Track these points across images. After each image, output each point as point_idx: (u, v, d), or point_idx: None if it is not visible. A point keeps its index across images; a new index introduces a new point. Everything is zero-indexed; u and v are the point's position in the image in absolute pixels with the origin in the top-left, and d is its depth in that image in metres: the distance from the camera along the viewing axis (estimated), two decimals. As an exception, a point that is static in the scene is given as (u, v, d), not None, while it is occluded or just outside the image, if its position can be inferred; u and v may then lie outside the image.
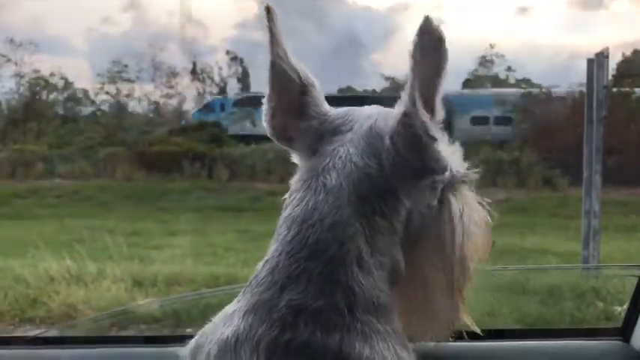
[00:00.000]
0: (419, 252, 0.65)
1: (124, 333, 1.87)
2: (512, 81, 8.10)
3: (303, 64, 0.68)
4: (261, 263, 0.60)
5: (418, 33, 0.59)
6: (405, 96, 0.61)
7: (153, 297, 2.71)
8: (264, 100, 0.67)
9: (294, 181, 0.64)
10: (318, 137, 0.65)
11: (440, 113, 0.63)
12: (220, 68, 10.90)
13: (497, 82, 8.14)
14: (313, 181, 0.61)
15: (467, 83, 8.19)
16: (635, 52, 5.70)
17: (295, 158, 0.67)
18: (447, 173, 0.64)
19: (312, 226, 0.59)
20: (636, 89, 6.01)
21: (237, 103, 11.07)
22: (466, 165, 0.67)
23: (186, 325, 2.22)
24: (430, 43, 0.60)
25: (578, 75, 4.50)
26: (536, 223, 5.40)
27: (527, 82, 8.20)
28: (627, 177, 5.12)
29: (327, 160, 0.62)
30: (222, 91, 11.94)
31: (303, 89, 0.67)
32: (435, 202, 0.64)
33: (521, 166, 6.76)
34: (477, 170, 0.66)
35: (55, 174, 7.90)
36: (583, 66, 4.19)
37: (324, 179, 0.61)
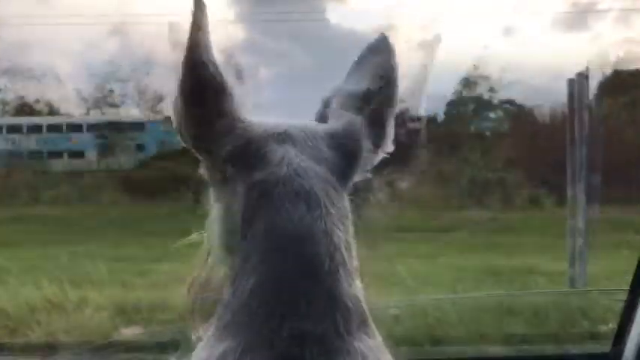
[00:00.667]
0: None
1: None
2: (495, 102, 8.16)
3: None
4: (245, 291, 0.53)
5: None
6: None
7: (136, 324, 2.65)
8: (185, 107, 0.58)
9: (247, 194, 0.57)
10: (263, 144, 0.58)
11: None
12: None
13: (480, 103, 8.22)
14: (282, 192, 0.56)
15: (451, 104, 8.26)
16: (616, 72, 5.79)
17: (221, 170, 0.60)
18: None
19: (301, 241, 0.54)
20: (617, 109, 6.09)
21: None
22: None
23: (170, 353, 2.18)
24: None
25: (562, 95, 4.55)
26: (523, 242, 5.41)
27: (510, 102, 8.29)
28: (611, 195, 5.16)
29: (289, 168, 0.56)
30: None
31: (229, 91, 0.59)
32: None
33: (507, 185, 6.80)
34: None
35: (40, 200, 7.82)
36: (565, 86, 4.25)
37: (298, 188, 0.55)
